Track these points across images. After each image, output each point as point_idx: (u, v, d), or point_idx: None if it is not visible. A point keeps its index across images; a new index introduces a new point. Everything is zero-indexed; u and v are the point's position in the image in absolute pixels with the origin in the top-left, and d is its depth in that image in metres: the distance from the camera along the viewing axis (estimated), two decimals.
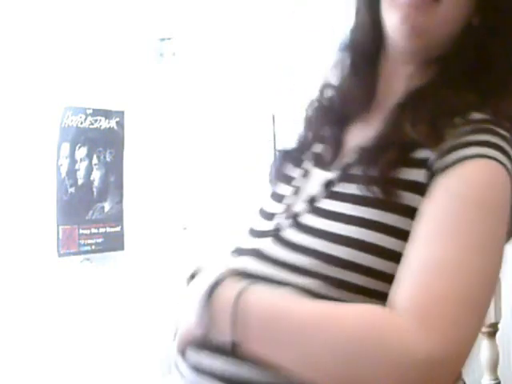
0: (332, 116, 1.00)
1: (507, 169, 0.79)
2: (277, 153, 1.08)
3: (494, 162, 0.78)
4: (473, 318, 0.73)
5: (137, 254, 2.93)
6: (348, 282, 0.81)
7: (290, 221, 0.91)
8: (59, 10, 2.63)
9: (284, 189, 0.99)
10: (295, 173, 1.00)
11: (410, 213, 0.80)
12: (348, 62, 1.00)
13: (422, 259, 0.75)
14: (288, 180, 1.00)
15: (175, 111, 3.08)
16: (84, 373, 2.64)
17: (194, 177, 3.04)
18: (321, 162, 0.97)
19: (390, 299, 0.76)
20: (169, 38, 3.09)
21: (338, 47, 1.01)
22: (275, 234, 0.91)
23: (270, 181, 1.06)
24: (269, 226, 0.94)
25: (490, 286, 0.77)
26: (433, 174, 0.80)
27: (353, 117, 0.98)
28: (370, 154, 0.87)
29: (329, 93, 1.03)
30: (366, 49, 0.96)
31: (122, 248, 2.90)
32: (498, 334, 2.14)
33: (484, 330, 2.10)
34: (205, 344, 0.83)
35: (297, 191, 0.96)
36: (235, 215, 2.83)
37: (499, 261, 0.78)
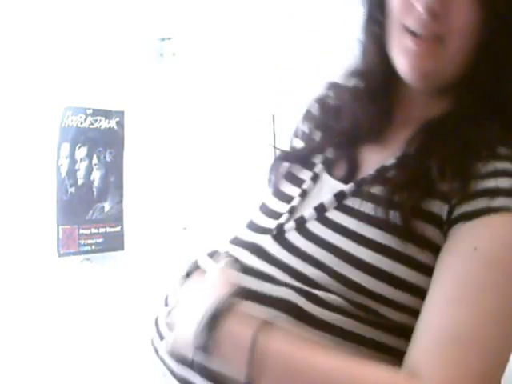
0: (345, 131, 0.97)
1: None
2: (278, 152, 1.04)
3: None
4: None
5: (137, 253, 2.93)
6: (355, 301, 0.79)
7: (294, 224, 0.88)
8: (59, 10, 2.62)
9: (290, 189, 0.96)
10: (304, 175, 0.96)
11: (427, 244, 0.79)
12: (361, 87, 0.97)
13: (450, 326, 0.74)
14: (295, 181, 0.97)
15: (175, 111, 3.08)
16: (84, 373, 2.64)
17: (194, 177, 3.04)
18: (332, 170, 0.94)
19: (411, 361, 0.74)
20: (169, 38, 3.09)
21: (347, 72, 0.99)
22: (278, 234, 0.88)
23: (270, 179, 1.03)
24: (271, 223, 0.91)
25: None
26: (451, 211, 0.78)
27: (368, 135, 0.95)
28: (396, 178, 0.84)
29: (336, 96, 1.00)
30: (378, 78, 0.94)
31: (122, 248, 2.90)
32: None
33: None
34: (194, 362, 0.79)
35: (304, 194, 0.93)
36: (235, 215, 2.83)
37: None
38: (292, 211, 0.91)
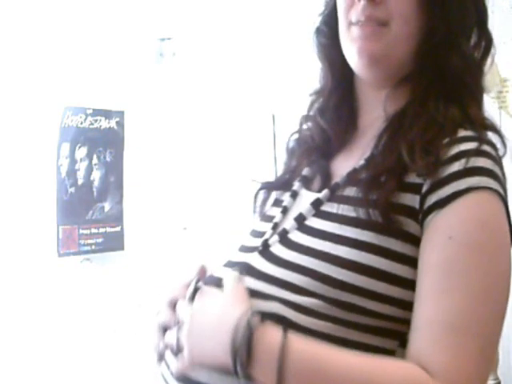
0: (316, 148, 1.03)
1: (499, 193, 0.82)
2: (259, 183, 1.10)
3: (486, 194, 0.81)
4: (489, 365, 0.80)
5: (137, 253, 2.93)
6: (340, 300, 0.81)
7: (278, 237, 0.92)
8: (59, 10, 2.62)
9: (273, 210, 1.01)
10: (285, 196, 1.01)
11: (404, 236, 0.82)
12: (324, 99, 1.03)
13: (442, 317, 0.78)
14: (277, 203, 1.02)
15: (175, 111, 3.08)
16: (84, 373, 2.64)
17: (194, 177, 3.04)
18: (309, 186, 0.99)
19: (415, 356, 0.78)
20: (169, 38, 3.09)
21: (312, 91, 1.05)
22: (263, 249, 0.92)
23: (255, 208, 1.08)
24: (257, 242, 0.95)
25: (502, 321, 0.81)
26: (423, 201, 0.82)
27: (338, 146, 1.00)
28: (368, 177, 0.87)
29: (309, 125, 1.06)
30: (338, 85, 1.00)
31: (122, 248, 2.90)
32: None
33: None
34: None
35: (285, 210, 0.97)
36: (235, 215, 2.83)
37: (508, 293, 0.82)
38: (275, 227, 0.95)
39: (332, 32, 0.98)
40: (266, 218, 1.01)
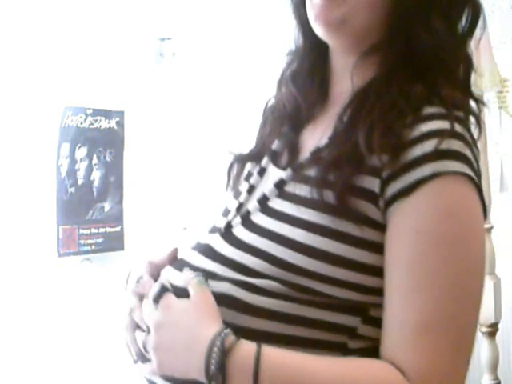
0: (287, 117, 1.00)
1: (469, 176, 0.78)
2: (233, 157, 1.07)
3: (452, 179, 0.77)
4: (466, 360, 0.77)
5: (137, 254, 2.93)
6: (295, 283, 0.79)
7: (240, 218, 0.90)
8: (59, 10, 2.63)
9: (244, 185, 0.98)
10: (255, 170, 0.99)
11: (362, 220, 0.79)
12: (297, 62, 1.02)
13: (413, 317, 0.75)
14: (248, 176, 0.99)
15: (175, 111, 3.08)
16: (83, 373, 2.64)
17: (194, 177, 3.04)
18: (277, 161, 0.96)
19: (389, 357, 0.76)
20: (169, 38, 3.09)
21: (287, 52, 1.04)
22: (225, 231, 0.90)
23: (228, 182, 1.06)
24: (222, 222, 0.93)
25: (477, 319, 0.79)
26: (384, 186, 0.78)
27: (308, 116, 0.98)
28: (327, 158, 0.85)
29: (283, 91, 1.03)
30: (312, 48, 0.99)
31: (122, 248, 2.90)
32: (497, 334, 2.14)
33: (484, 330, 2.10)
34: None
35: (252, 189, 0.95)
36: None
37: (482, 281, 0.79)
38: (240, 207, 0.93)
39: None
40: (236, 194, 0.98)
